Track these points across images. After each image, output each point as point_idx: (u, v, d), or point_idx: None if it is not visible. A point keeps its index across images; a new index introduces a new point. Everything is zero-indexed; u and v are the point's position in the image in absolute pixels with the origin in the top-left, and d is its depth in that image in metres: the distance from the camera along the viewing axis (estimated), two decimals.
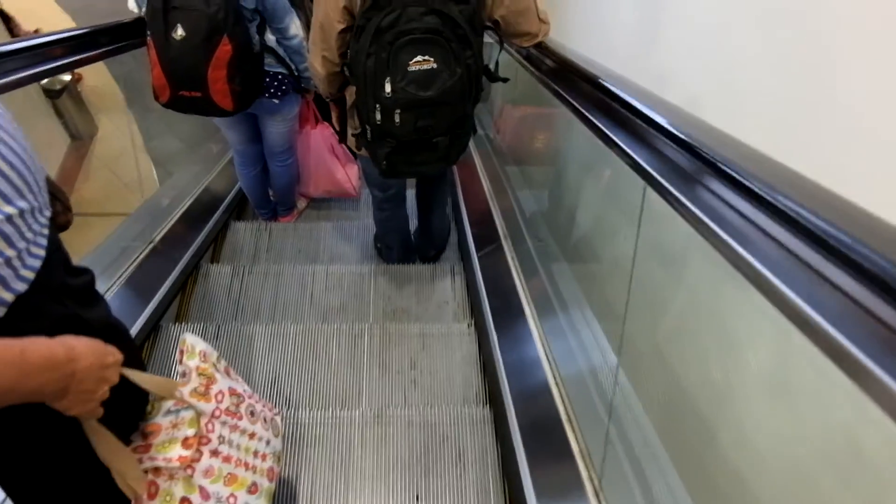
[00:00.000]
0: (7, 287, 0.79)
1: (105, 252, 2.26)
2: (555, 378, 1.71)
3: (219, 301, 2.59)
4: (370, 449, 1.82)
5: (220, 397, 1.20)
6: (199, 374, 1.18)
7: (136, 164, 2.87)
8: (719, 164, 0.88)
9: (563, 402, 1.63)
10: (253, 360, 2.19)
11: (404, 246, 2.81)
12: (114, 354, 0.88)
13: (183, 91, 2.33)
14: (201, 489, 1.11)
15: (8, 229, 0.77)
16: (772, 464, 0.94)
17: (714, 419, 1.16)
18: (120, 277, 2.17)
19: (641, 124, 1.17)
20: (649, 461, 1.30)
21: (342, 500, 1.69)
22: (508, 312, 2.11)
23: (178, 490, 1.08)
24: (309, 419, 1.88)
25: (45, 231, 0.86)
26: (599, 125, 1.33)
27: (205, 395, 1.17)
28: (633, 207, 1.29)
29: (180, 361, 1.18)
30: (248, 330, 2.29)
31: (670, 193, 0.96)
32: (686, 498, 1.16)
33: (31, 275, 0.82)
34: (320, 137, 3.16)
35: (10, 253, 0.78)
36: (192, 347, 1.20)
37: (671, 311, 1.36)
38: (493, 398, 1.95)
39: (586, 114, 1.44)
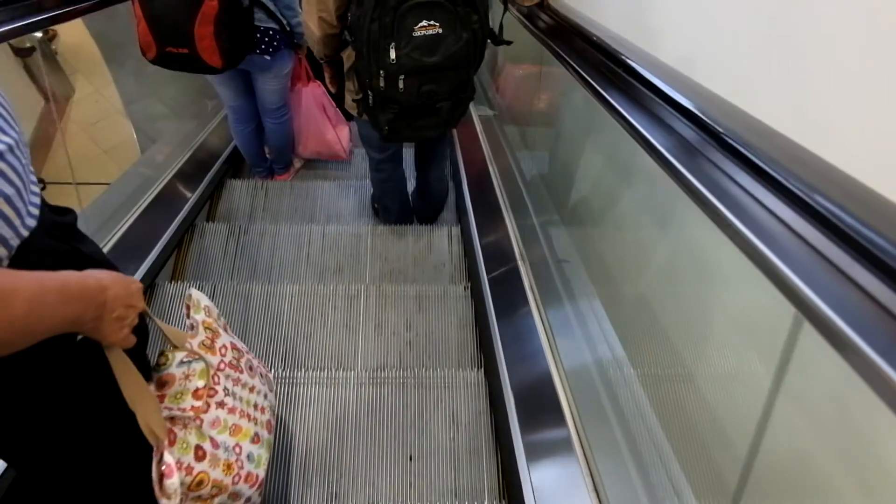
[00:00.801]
0: (23, 222, 0.80)
1: (98, 211, 2.24)
2: (549, 342, 1.72)
3: (215, 260, 2.58)
4: (365, 409, 1.84)
5: (223, 351, 1.25)
6: (206, 328, 1.22)
7: (117, 128, 2.74)
8: (722, 136, 0.86)
9: (556, 366, 1.63)
10: (249, 320, 2.20)
11: (402, 207, 2.79)
12: (135, 282, 0.92)
13: (169, 48, 2.27)
14: (211, 439, 1.15)
15: (12, 160, 0.78)
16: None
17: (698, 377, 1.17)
18: (113, 236, 2.16)
19: (638, 86, 1.15)
20: (638, 423, 1.32)
21: (336, 459, 1.72)
22: (506, 276, 2.11)
23: (192, 438, 1.11)
24: (304, 379, 1.89)
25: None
26: (595, 84, 1.31)
27: (211, 348, 1.21)
28: (630, 169, 1.28)
29: (188, 315, 1.22)
30: (245, 289, 2.29)
31: (663, 157, 0.95)
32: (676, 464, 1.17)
33: (36, 211, 0.84)
34: (311, 96, 3.10)
35: (19, 184, 0.79)
36: (198, 302, 1.25)
37: (664, 271, 1.35)
38: (488, 361, 1.96)
39: (582, 73, 1.41)
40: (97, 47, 2.55)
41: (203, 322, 1.23)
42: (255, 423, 1.29)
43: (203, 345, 1.20)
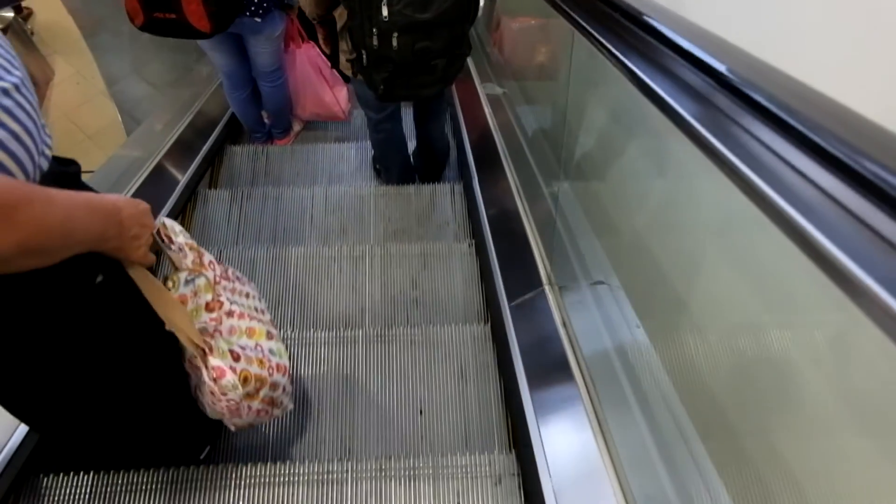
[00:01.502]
0: (35, 162, 0.81)
1: (100, 180, 2.24)
2: (555, 296, 1.73)
3: (219, 226, 2.59)
4: (374, 367, 1.86)
5: (212, 266, 1.31)
6: (191, 249, 1.27)
7: (103, 110, 2.64)
8: (730, 81, 0.84)
9: (561, 318, 1.65)
10: (256, 284, 2.20)
11: (403, 166, 2.78)
12: (143, 203, 0.98)
13: (157, 13, 2.23)
14: (236, 344, 1.24)
15: (20, 98, 0.79)
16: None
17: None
18: None
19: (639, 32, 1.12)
20: (645, 370, 1.33)
21: (348, 415, 1.75)
22: (509, 231, 2.11)
23: (223, 345, 1.20)
24: (313, 339, 1.92)
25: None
26: (594, 33, 1.28)
27: (202, 265, 1.27)
28: (632, 119, 1.26)
29: (171, 241, 1.24)
30: (250, 254, 2.30)
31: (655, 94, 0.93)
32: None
33: (49, 152, 0.86)
34: (306, 57, 3.05)
35: (29, 123, 0.80)
36: (174, 228, 1.27)
37: (664, 214, 1.34)
38: (494, 316, 1.97)
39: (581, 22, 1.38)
40: (75, 24, 2.43)
41: (186, 244, 1.27)
42: (263, 324, 1.39)
43: (195, 263, 1.26)
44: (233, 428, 1.31)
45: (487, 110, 2.89)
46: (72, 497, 1.46)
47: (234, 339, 1.26)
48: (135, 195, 2.26)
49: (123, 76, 2.82)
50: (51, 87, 2.26)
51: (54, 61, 2.33)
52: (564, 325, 1.62)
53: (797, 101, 0.68)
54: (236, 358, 1.21)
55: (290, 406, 1.46)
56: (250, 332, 1.32)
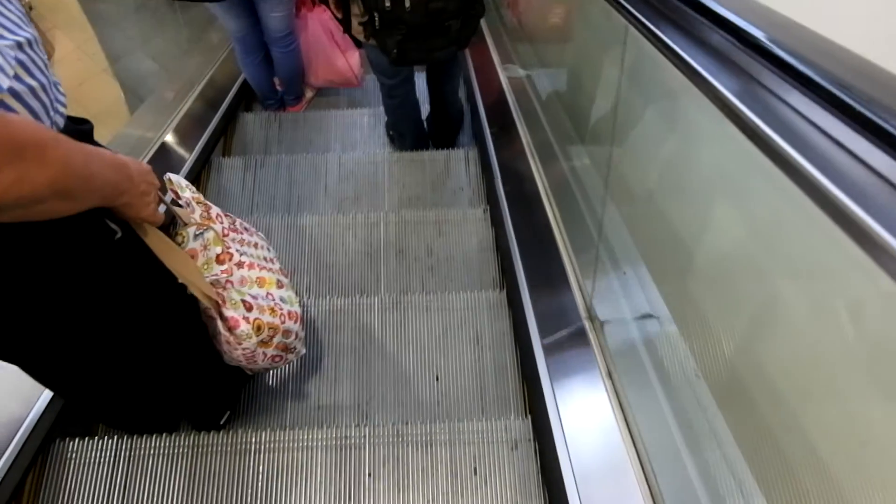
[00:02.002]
0: (51, 118, 0.82)
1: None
2: (569, 259, 1.71)
3: (233, 194, 2.59)
4: (390, 333, 1.87)
5: (220, 219, 1.34)
6: (198, 203, 1.29)
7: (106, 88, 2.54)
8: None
9: (577, 284, 1.64)
10: None
11: (417, 132, 2.75)
12: (144, 164, 0.99)
13: None
14: (248, 294, 1.27)
15: (32, 54, 0.79)
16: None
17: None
18: None
19: None
20: (661, 335, 1.32)
21: (365, 382, 1.77)
22: (524, 197, 2.09)
23: (235, 296, 1.23)
24: (329, 307, 1.92)
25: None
26: None
27: (209, 218, 1.30)
28: (649, 82, 1.23)
29: (177, 197, 1.27)
30: (265, 222, 2.30)
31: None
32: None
33: (63, 110, 0.87)
34: (318, 22, 3.01)
35: (43, 79, 0.80)
36: (180, 183, 1.30)
37: (677, 175, 1.31)
38: (509, 282, 1.97)
39: None
40: None
41: (193, 198, 1.29)
42: (273, 273, 1.42)
43: (203, 217, 1.28)
44: (249, 372, 1.37)
45: (502, 74, 2.84)
46: (96, 460, 1.50)
47: (245, 289, 1.29)
48: (150, 162, 2.27)
49: (126, 52, 2.69)
50: (51, 63, 2.19)
51: (54, 37, 2.20)
52: (580, 289, 1.61)
53: None
54: (249, 308, 1.24)
55: (303, 351, 1.51)
56: (261, 282, 1.35)
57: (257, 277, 1.35)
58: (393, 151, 2.80)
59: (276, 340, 1.33)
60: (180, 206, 1.27)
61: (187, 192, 1.30)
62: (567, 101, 2.13)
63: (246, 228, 1.46)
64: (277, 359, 1.39)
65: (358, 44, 2.24)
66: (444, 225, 2.30)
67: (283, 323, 1.34)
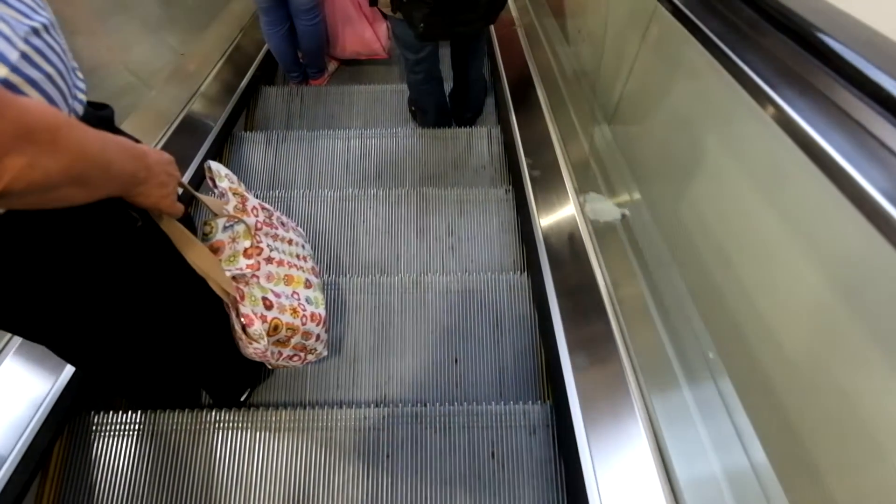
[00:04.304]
0: (69, 104, 0.81)
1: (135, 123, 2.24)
2: (593, 244, 1.69)
3: (255, 169, 2.59)
4: (409, 314, 1.87)
5: (255, 212, 1.32)
6: (234, 194, 1.27)
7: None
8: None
9: (600, 268, 1.61)
10: None
11: (439, 109, 2.71)
12: (167, 154, 0.98)
13: None
14: (271, 291, 1.26)
15: (49, 39, 0.78)
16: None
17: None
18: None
19: None
20: (682, 320, 1.30)
21: (384, 362, 1.77)
22: (548, 176, 2.06)
23: (257, 292, 1.22)
24: (349, 285, 1.92)
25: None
26: None
27: (244, 210, 1.28)
28: (681, 68, 1.19)
29: (214, 186, 1.27)
30: (286, 197, 2.30)
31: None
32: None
33: (82, 96, 0.85)
34: None
35: (60, 65, 0.79)
36: (219, 172, 1.29)
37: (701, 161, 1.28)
38: (531, 264, 1.95)
39: None
40: None
41: (230, 188, 1.27)
42: (303, 271, 1.41)
43: (237, 209, 1.26)
44: (269, 366, 1.35)
45: (527, 51, 2.78)
46: (120, 433, 1.53)
47: (270, 285, 1.27)
48: (171, 138, 2.27)
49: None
50: None
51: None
52: (603, 275, 1.59)
53: None
54: (268, 306, 1.23)
55: (325, 353, 1.48)
56: (288, 280, 1.33)
57: (285, 275, 1.33)
58: (415, 128, 2.77)
59: (294, 341, 1.32)
60: (215, 194, 1.26)
61: (225, 181, 1.28)
62: (592, 79, 2.08)
63: (283, 223, 1.44)
64: (296, 359, 1.38)
65: (384, 14, 2.20)
66: (466, 204, 2.27)
67: (303, 324, 1.32)
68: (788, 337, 0.91)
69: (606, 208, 1.69)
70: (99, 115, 0.92)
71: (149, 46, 2.45)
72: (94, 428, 1.53)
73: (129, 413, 1.54)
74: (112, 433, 1.53)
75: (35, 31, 0.75)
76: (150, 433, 1.52)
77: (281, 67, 3.21)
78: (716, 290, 1.14)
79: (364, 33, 3.08)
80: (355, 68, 3.46)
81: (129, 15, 2.29)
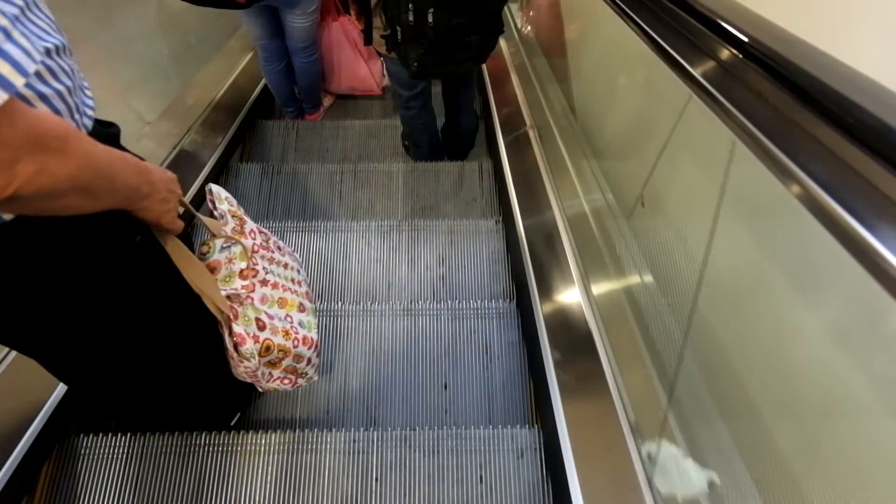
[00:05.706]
0: (76, 120, 0.83)
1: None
2: (581, 275, 1.72)
3: (250, 200, 2.63)
4: (400, 341, 1.89)
5: (252, 235, 1.34)
6: (232, 216, 1.30)
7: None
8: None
9: (588, 299, 1.65)
10: None
11: (432, 143, 2.78)
12: (170, 172, 1.00)
13: None
14: (265, 312, 1.27)
15: (60, 60, 0.80)
16: None
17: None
18: None
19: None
20: (670, 349, 1.33)
21: (374, 387, 1.78)
22: (537, 209, 2.11)
23: (251, 312, 1.23)
24: (342, 311, 1.95)
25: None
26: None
27: (242, 233, 1.30)
28: (666, 100, 1.24)
29: (214, 208, 1.29)
30: (280, 228, 2.34)
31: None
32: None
33: (91, 113, 0.88)
34: (342, 31, 3.07)
35: (69, 83, 0.81)
36: (219, 194, 1.31)
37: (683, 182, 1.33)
38: (520, 293, 1.98)
39: None
40: None
41: (229, 211, 1.30)
42: (297, 295, 1.42)
43: (235, 231, 1.28)
44: (260, 389, 1.36)
45: (517, 86, 2.87)
46: (108, 456, 1.52)
47: (264, 307, 1.29)
48: (169, 166, 2.32)
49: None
50: None
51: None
52: (594, 315, 1.61)
53: None
54: (261, 327, 1.24)
55: (316, 377, 1.49)
56: (282, 302, 1.35)
57: (280, 298, 1.34)
58: (407, 161, 2.83)
59: (285, 363, 1.33)
60: (214, 217, 1.29)
61: (224, 204, 1.30)
62: (580, 113, 2.15)
63: (279, 248, 1.47)
64: (286, 381, 1.39)
65: (379, 53, 2.28)
66: (457, 235, 2.32)
67: (295, 347, 1.33)
68: (768, 363, 0.94)
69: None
70: (106, 133, 0.95)
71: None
72: (83, 451, 1.53)
73: (119, 436, 1.55)
74: (101, 457, 1.52)
75: (48, 52, 0.79)
76: (139, 456, 1.52)
77: (277, 102, 3.29)
78: (706, 320, 1.18)
79: (359, 70, 3.18)
80: (350, 103, 3.54)
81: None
